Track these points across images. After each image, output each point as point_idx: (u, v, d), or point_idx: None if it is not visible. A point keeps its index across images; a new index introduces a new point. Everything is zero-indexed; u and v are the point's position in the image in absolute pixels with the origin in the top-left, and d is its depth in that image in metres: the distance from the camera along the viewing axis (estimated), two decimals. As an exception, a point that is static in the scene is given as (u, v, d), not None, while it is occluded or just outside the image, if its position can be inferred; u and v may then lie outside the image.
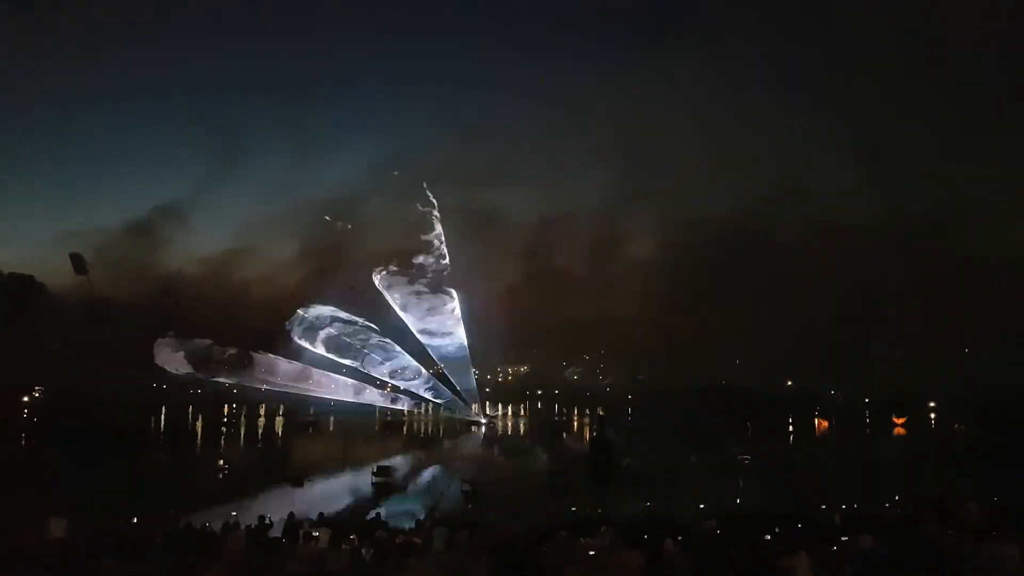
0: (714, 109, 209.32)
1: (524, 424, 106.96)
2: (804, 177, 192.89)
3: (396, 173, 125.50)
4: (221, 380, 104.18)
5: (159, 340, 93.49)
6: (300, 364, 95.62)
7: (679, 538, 15.18)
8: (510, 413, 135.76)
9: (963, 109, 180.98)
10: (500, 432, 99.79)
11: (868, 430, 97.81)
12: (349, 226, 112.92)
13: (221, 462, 53.95)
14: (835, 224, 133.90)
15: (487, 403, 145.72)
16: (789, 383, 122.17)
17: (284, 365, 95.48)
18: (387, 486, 45.20)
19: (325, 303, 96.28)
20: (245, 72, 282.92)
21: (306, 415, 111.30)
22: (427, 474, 55.06)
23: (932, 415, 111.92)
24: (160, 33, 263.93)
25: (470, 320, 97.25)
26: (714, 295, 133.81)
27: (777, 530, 16.92)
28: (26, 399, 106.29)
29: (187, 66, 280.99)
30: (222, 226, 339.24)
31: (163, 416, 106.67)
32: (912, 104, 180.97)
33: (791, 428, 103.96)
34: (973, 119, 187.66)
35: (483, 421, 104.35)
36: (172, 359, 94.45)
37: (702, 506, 24.60)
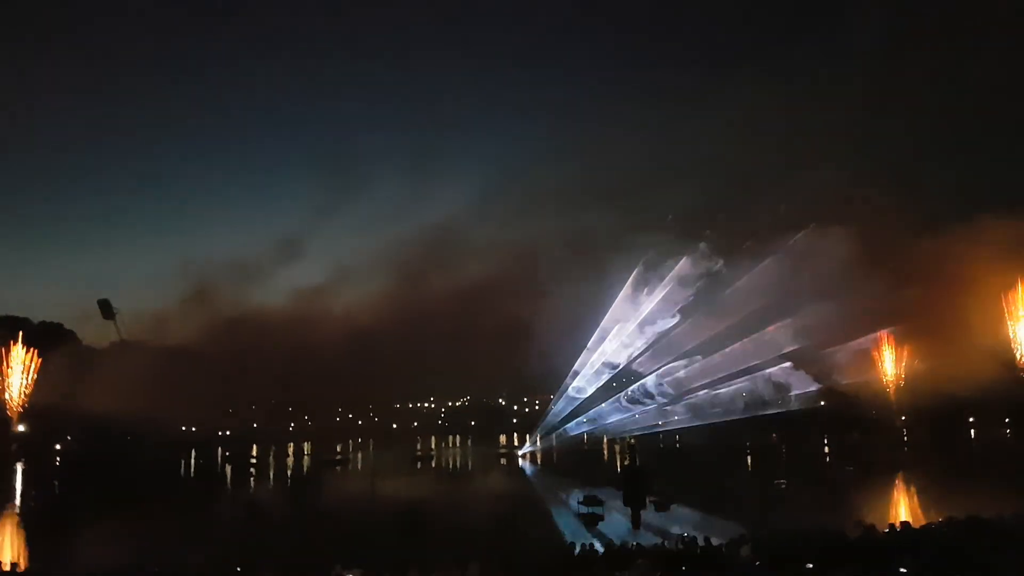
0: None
1: (554, 454, 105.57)
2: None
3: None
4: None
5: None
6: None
7: (722, 569, 14.80)
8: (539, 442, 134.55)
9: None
10: (529, 462, 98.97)
11: (906, 447, 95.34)
12: None
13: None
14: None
15: (514, 433, 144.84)
16: (822, 403, 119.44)
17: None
18: (594, 517, 43.38)
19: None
20: (359, 103, 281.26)
21: (332, 453, 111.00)
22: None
23: (972, 431, 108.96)
24: (278, 69, 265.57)
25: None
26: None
27: (817, 556, 16.39)
28: (58, 447, 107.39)
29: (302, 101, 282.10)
30: (326, 257, 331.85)
31: (192, 458, 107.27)
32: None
33: (826, 448, 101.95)
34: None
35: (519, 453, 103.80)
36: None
37: (742, 533, 23.86)
